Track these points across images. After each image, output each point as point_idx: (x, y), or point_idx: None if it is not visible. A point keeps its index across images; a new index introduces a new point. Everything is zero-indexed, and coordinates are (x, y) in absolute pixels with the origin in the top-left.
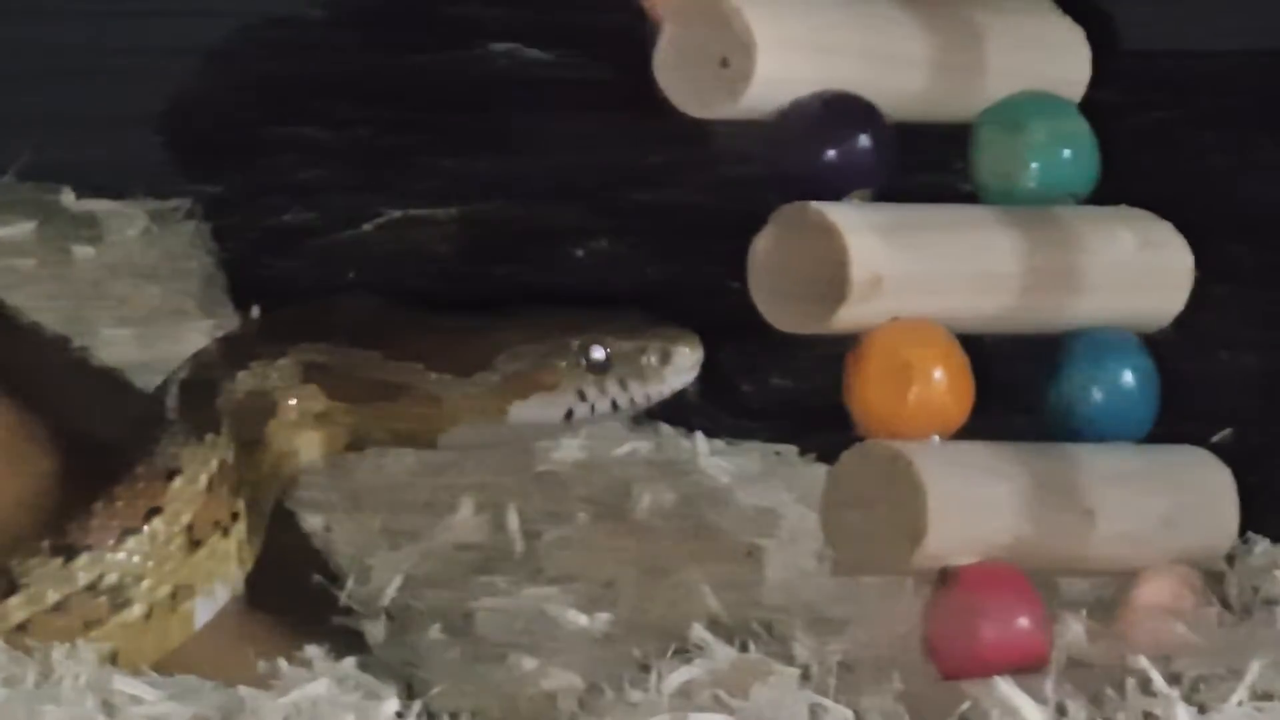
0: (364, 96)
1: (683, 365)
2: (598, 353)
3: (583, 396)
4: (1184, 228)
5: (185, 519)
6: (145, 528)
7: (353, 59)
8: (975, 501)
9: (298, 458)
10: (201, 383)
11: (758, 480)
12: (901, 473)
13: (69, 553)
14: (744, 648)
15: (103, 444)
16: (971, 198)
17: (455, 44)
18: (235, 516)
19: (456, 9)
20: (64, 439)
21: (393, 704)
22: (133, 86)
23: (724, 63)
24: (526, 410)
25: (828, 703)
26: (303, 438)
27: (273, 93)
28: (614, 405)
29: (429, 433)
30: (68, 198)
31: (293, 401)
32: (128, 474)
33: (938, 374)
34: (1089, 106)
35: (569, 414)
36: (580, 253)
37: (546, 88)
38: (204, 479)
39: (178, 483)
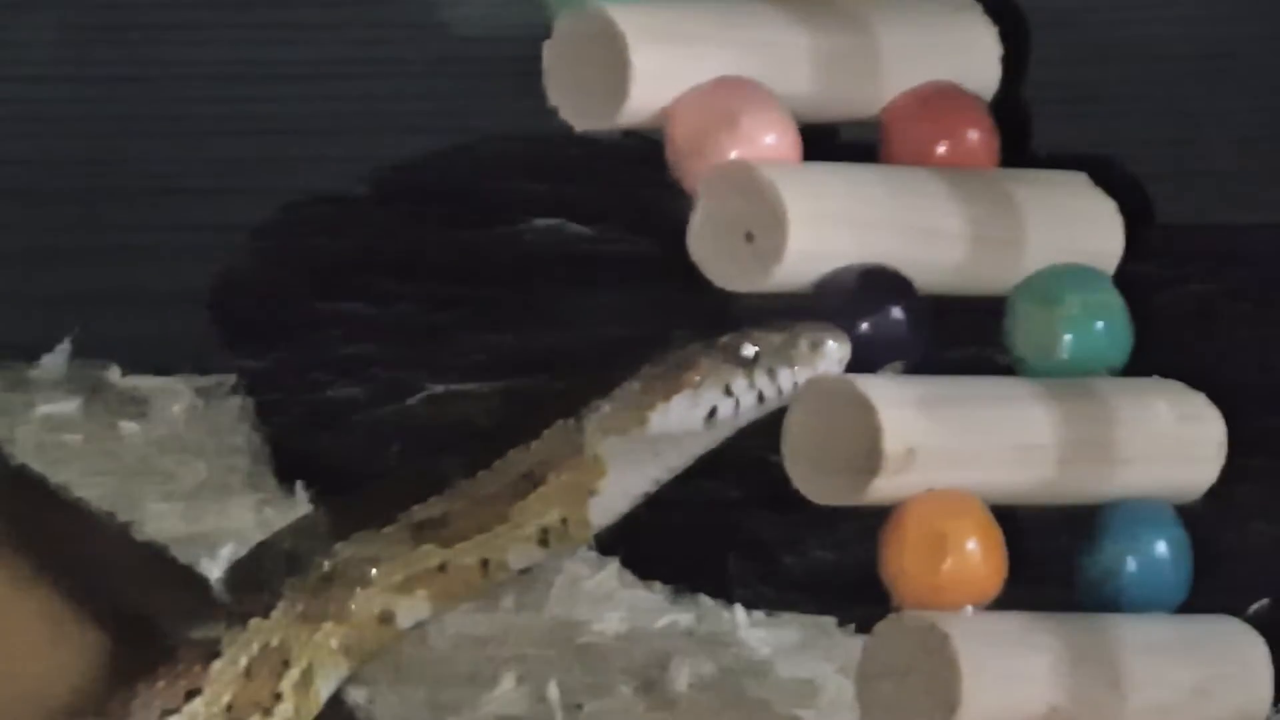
0: (408, 272)
1: (833, 353)
2: (747, 350)
3: (729, 391)
4: (1218, 400)
5: (225, 700)
6: (184, 708)
7: (397, 235)
8: (1009, 673)
9: (396, 625)
10: (276, 558)
11: (797, 652)
12: (935, 644)
13: None
14: None
15: (147, 620)
16: (1007, 370)
17: (499, 220)
18: (278, 697)
19: (499, 185)
20: (108, 615)
21: None
22: (178, 263)
23: (749, 237)
24: (669, 415)
25: None
26: (405, 601)
27: (317, 269)
28: (760, 398)
29: (584, 495)
30: (114, 374)
31: (397, 566)
32: (169, 654)
33: (972, 545)
34: (1123, 279)
35: (712, 413)
36: None
37: (589, 262)
38: (244, 661)
39: (217, 665)
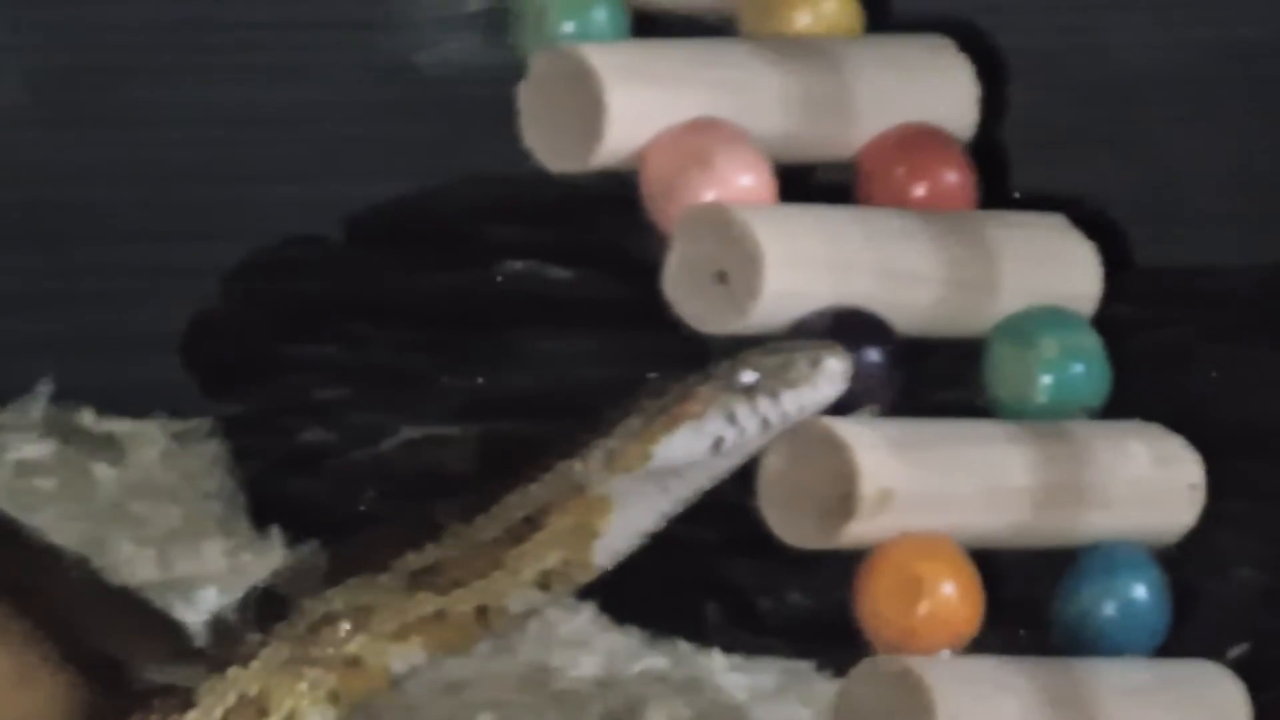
0: (383, 315)
1: (835, 371)
2: (747, 376)
3: (733, 419)
4: (1196, 443)
5: None
6: None
7: (371, 278)
8: (984, 716)
9: (389, 672)
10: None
11: (774, 697)
12: (911, 688)
13: None
14: None
15: (120, 665)
16: (984, 413)
17: (473, 262)
18: None
19: (474, 227)
20: (80, 659)
21: None
22: (152, 307)
23: (723, 278)
24: (674, 448)
25: None
26: (399, 648)
27: (290, 312)
28: (765, 424)
29: (587, 537)
30: (88, 418)
31: (392, 614)
32: (143, 703)
33: (948, 588)
34: (1101, 322)
35: (718, 443)
36: None
37: (564, 305)
38: (219, 712)
39: (193, 715)
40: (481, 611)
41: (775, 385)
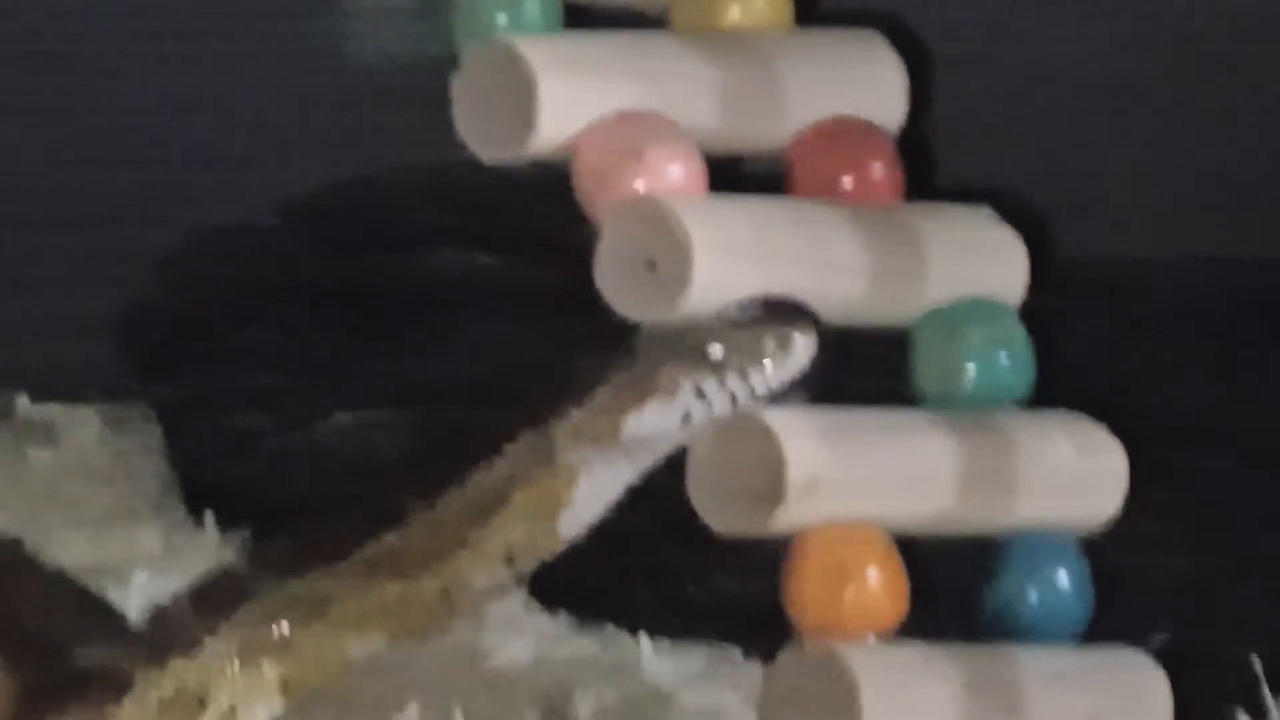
0: (316, 301)
1: (801, 350)
2: (715, 350)
3: (701, 394)
4: (1119, 432)
5: None
6: None
7: (305, 264)
8: (909, 702)
9: (347, 661)
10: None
11: (701, 681)
12: (836, 673)
13: None
14: None
15: (55, 647)
16: (911, 402)
17: (406, 249)
18: None
19: (408, 215)
20: (15, 641)
21: None
22: (88, 292)
23: (651, 267)
24: (644, 422)
25: None
26: (358, 636)
27: (225, 297)
28: (733, 399)
29: (554, 508)
30: (23, 402)
31: (352, 601)
32: (80, 688)
33: (873, 575)
34: (1027, 312)
35: (686, 416)
36: None
37: (496, 292)
38: (154, 699)
39: (129, 703)
40: (445, 593)
41: (744, 362)
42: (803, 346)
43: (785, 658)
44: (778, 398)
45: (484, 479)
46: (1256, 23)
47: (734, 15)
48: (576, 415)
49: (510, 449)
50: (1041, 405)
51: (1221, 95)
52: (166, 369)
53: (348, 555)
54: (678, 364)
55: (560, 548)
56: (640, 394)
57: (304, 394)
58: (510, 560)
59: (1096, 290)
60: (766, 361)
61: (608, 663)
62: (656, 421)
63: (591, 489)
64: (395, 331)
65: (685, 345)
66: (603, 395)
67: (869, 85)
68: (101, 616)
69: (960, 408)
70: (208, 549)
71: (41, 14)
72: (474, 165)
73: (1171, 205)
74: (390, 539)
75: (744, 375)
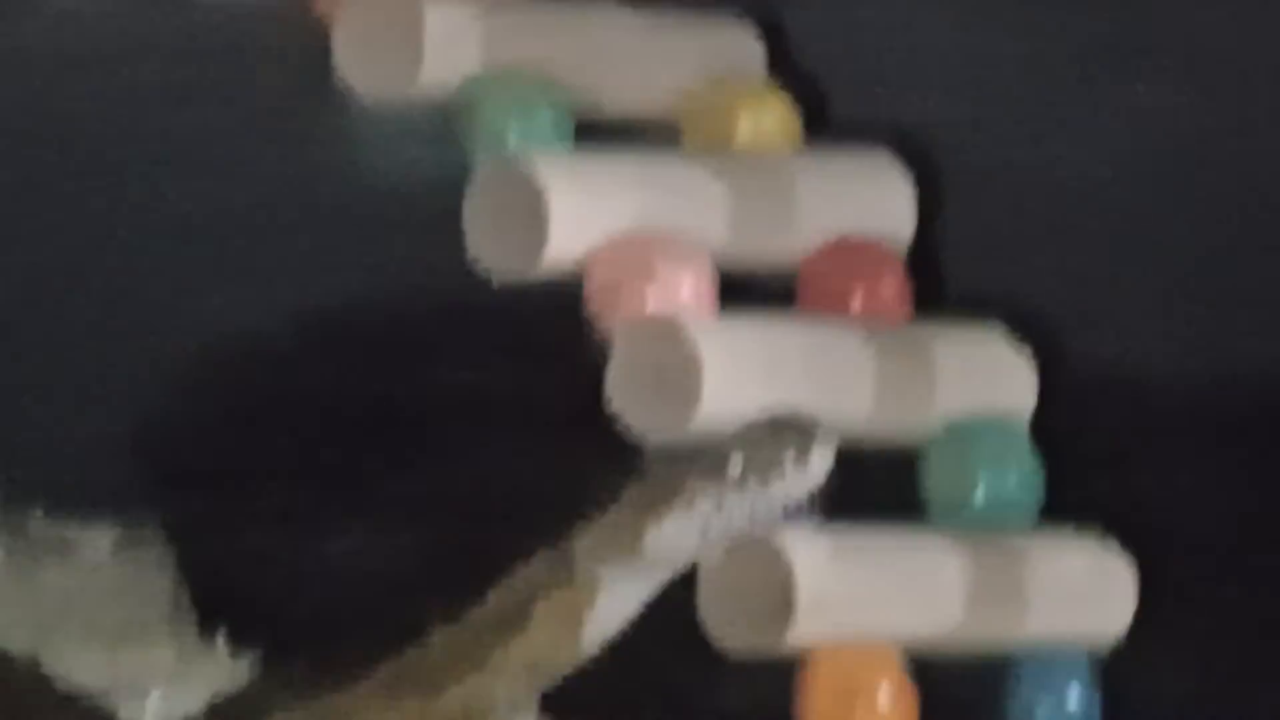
0: (328, 417)
1: (818, 464)
2: (734, 466)
3: (721, 508)
4: (1130, 548)
5: None
6: None
7: (320, 380)
8: None
9: None
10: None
11: None
12: None
13: None
14: None
15: None
16: (920, 519)
17: (419, 362)
18: None
19: (413, 332)
20: None
21: None
22: (98, 409)
23: (661, 383)
24: (663, 538)
25: None
26: None
27: (239, 414)
28: (752, 512)
29: (575, 624)
30: (36, 520)
31: None
32: None
33: (884, 696)
34: (1036, 428)
35: (705, 531)
36: None
37: (508, 408)
38: None
39: None
40: (466, 710)
41: (764, 475)
42: (819, 460)
43: None
44: (791, 513)
45: (504, 594)
46: (1275, 131)
47: (744, 131)
48: (596, 528)
49: (530, 563)
50: (1052, 516)
51: (1238, 205)
52: (178, 485)
53: (365, 673)
54: (696, 476)
55: (582, 662)
56: (660, 507)
57: (317, 509)
58: (532, 677)
59: (1108, 406)
60: (784, 475)
61: None
62: (676, 534)
63: (613, 602)
64: (408, 446)
65: (704, 458)
66: (622, 508)
67: (878, 203)
68: None
69: (970, 525)
70: (221, 667)
71: (47, 128)
72: (487, 281)
73: (1184, 313)
74: (410, 655)
75: (762, 488)
